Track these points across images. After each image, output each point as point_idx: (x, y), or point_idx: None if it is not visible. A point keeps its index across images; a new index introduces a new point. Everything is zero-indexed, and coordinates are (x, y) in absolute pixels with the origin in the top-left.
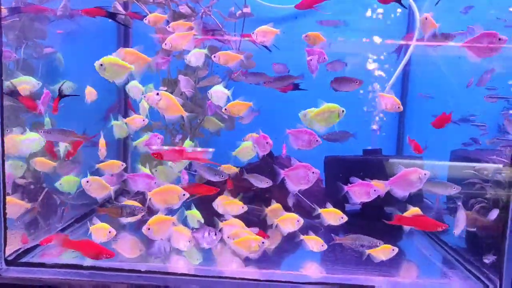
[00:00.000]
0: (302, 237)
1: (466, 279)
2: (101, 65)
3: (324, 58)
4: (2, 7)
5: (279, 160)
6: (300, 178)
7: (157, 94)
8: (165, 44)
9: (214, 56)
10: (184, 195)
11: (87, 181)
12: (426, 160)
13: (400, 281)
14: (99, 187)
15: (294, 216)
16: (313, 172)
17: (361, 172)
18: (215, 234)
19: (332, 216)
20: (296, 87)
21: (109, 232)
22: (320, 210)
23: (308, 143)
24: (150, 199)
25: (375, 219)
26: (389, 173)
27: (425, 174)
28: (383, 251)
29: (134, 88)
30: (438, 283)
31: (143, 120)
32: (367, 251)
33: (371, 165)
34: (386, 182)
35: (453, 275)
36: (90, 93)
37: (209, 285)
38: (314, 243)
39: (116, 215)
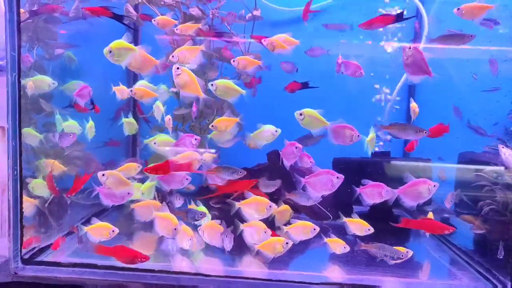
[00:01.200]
0: (326, 239)
1: (476, 280)
2: (110, 51)
3: (361, 73)
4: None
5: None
6: (323, 184)
7: (178, 68)
8: (173, 56)
9: (233, 60)
10: (270, 206)
11: (103, 175)
12: (434, 162)
13: (410, 281)
14: (116, 182)
15: (309, 224)
16: (337, 177)
17: (370, 174)
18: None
19: (358, 226)
20: (305, 86)
21: (112, 231)
22: (345, 219)
23: (350, 138)
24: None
25: (383, 221)
26: (397, 175)
27: (434, 185)
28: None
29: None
30: (448, 284)
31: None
32: (379, 257)
33: (380, 167)
34: (396, 190)
35: (463, 276)
36: (121, 92)
37: (222, 284)
38: (336, 245)
39: (184, 217)
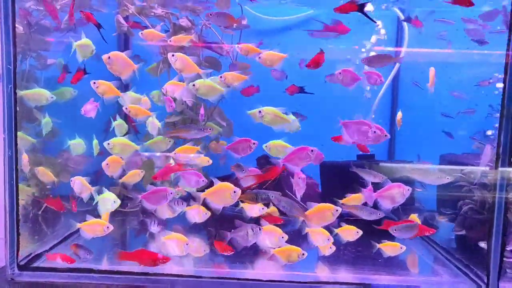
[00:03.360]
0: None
1: (456, 276)
2: (109, 57)
3: (381, 80)
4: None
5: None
6: (301, 159)
7: (173, 55)
8: (163, 88)
9: (221, 77)
10: (337, 210)
11: (71, 180)
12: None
13: (397, 279)
14: (80, 187)
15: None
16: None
17: (355, 177)
18: (260, 229)
19: (349, 233)
20: (301, 90)
21: (107, 227)
22: (336, 230)
23: (367, 135)
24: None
25: (367, 223)
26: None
27: (408, 189)
28: (391, 248)
29: (130, 99)
30: (431, 280)
31: None
32: (378, 246)
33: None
34: (373, 194)
35: (444, 273)
36: (145, 102)
37: (215, 286)
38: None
39: (252, 201)
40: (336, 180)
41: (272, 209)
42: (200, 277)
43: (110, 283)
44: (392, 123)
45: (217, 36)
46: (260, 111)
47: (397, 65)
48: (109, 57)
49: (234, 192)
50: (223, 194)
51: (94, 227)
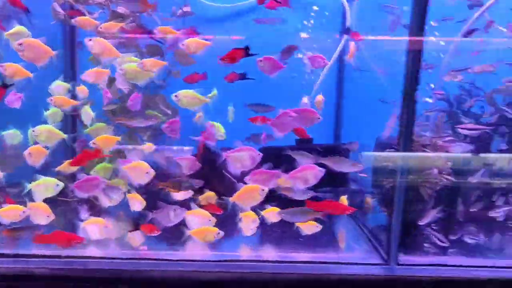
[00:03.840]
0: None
1: (368, 252)
2: (20, 44)
3: (324, 62)
4: None
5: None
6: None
7: (90, 40)
8: (84, 75)
9: (141, 63)
10: (263, 190)
11: None
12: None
13: (311, 255)
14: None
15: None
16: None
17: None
18: (182, 210)
19: (272, 214)
20: (243, 77)
21: (23, 211)
22: (262, 213)
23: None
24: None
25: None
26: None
27: (320, 171)
28: (308, 227)
29: (58, 88)
30: (343, 256)
31: None
32: (296, 224)
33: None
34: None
35: (358, 250)
36: (82, 91)
37: (131, 266)
38: (248, 228)
39: (175, 189)
40: (274, 163)
41: (208, 194)
42: (114, 258)
43: (22, 266)
44: (338, 108)
45: (158, 23)
46: (176, 95)
47: (337, 50)
48: (20, 44)
49: (147, 172)
50: (139, 172)
51: (10, 213)
